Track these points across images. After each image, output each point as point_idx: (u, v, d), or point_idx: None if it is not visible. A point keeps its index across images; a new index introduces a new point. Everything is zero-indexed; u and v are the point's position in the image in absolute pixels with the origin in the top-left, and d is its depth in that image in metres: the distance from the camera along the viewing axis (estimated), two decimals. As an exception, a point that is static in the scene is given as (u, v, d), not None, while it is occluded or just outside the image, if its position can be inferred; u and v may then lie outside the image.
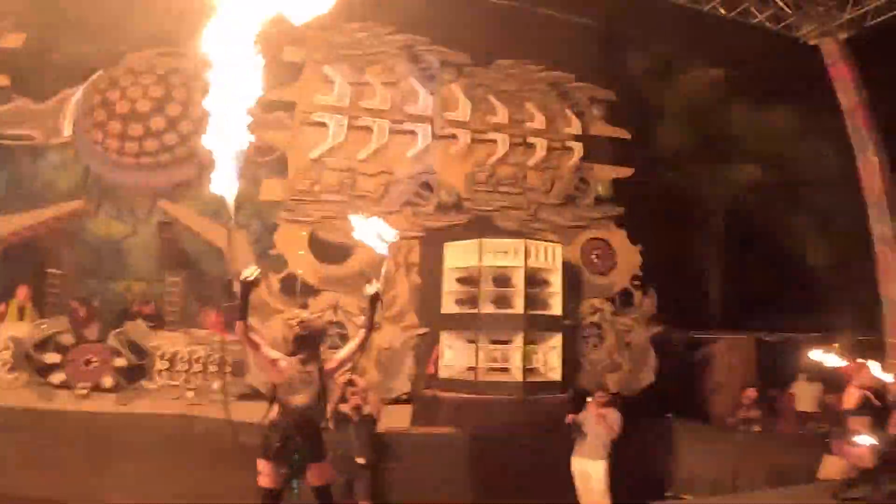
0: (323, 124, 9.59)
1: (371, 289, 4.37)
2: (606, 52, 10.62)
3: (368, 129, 9.71)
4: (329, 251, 9.41)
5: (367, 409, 6.88)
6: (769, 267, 10.82)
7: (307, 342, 4.31)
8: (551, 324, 9.42)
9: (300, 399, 4.17)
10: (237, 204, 3.81)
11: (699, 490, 8.71)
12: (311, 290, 9.27)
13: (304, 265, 9.29)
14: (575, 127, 10.58)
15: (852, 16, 8.71)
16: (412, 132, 9.92)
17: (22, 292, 8.87)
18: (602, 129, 10.81)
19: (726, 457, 8.94)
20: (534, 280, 9.35)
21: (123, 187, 9.95)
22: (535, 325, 9.23)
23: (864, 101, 8.79)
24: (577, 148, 10.54)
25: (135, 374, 8.54)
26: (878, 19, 8.65)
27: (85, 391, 8.24)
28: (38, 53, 9.22)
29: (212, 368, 8.59)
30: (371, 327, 4.43)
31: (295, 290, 9.22)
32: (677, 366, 10.70)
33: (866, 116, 8.77)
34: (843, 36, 8.90)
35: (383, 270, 4.57)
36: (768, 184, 10.86)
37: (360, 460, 6.63)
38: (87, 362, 8.38)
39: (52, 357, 8.35)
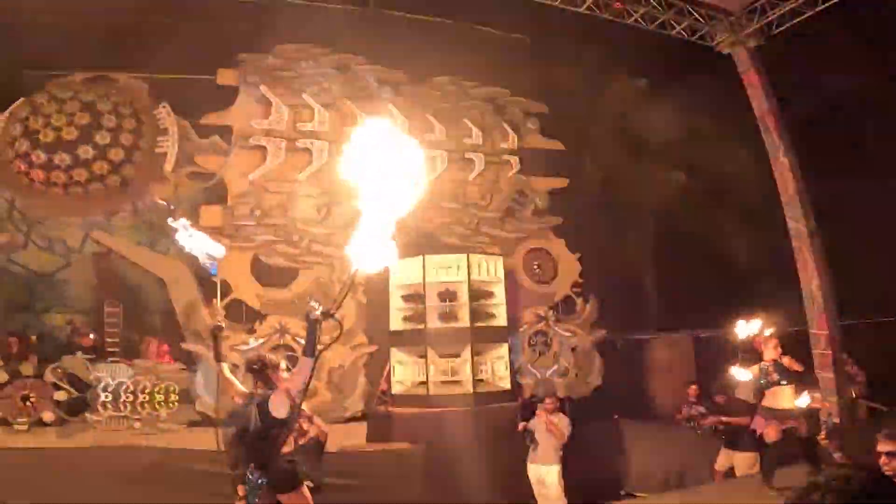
0: (261, 147, 9.55)
1: (315, 312, 3.91)
2: (538, 67, 10.94)
3: (307, 150, 9.72)
4: (273, 275, 9.36)
5: (312, 432, 6.84)
6: (702, 267, 11.27)
7: (252, 374, 4.64)
8: (497, 334, 9.60)
9: (240, 429, 4.35)
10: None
11: (652, 488, 8.96)
12: (257, 315, 9.18)
13: (247, 290, 9.20)
14: (511, 141, 10.85)
15: (760, 25, 9.24)
16: (352, 152, 9.95)
17: (-50, 330, 8.53)
18: (537, 142, 11.10)
19: (674, 453, 9.24)
20: (478, 293, 9.51)
21: (53, 218, 9.62)
22: (482, 337, 9.38)
23: (773, 105, 9.29)
24: (514, 161, 10.81)
25: (77, 407, 8.29)
26: (783, 27, 9.21)
27: (24, 427, 7.97)
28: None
29: (158, 398, 8.43)
30: (312, 352, 3.97)
31: (241, 315, 9.12)
32: (622, 368, 11.03)
33: (776, 120, 9.25)
34: (752, 44, 9.42)
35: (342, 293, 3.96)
36: (695, 187, 11.34)
37: (309, 483, 6.59)
38: (25, 398, 8.10)
39: (-14, 394, 8.05)
